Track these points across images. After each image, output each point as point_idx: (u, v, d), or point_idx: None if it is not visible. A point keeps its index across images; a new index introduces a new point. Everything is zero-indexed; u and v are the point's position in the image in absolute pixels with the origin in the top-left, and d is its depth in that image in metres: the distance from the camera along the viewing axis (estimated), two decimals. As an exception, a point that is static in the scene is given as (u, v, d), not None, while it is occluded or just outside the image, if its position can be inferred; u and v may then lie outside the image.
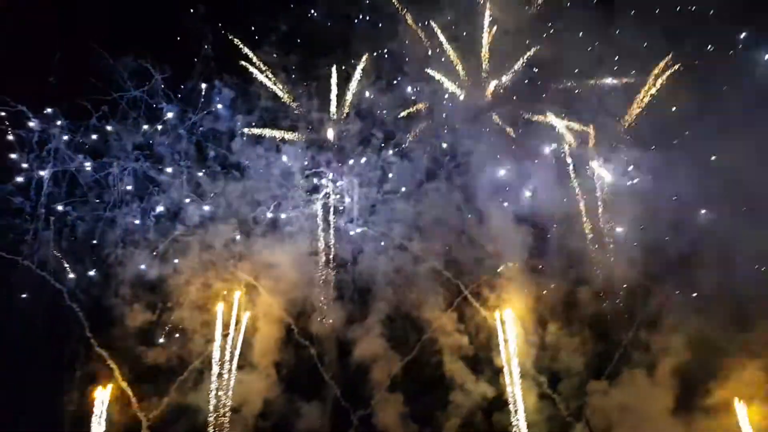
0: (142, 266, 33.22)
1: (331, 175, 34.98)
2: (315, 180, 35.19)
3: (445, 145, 34.86)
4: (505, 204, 32.97)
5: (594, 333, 31.24)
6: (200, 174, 34.80)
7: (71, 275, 32.97)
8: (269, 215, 34.37)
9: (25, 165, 32.97)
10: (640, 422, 29.37)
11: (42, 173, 33.17)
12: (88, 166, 33.74)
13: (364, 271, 33.30)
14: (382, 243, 33.59)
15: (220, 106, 35.39)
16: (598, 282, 31.28)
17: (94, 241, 33.69)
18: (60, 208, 33.25)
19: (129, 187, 34.43)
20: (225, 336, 32.98)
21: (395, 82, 35.06)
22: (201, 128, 35.25)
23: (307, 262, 33.47)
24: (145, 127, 34.70)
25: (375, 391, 31.91)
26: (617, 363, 30.70)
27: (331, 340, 32.65)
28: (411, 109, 34.71)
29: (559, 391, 30.96)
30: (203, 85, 35.23)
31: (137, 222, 33.89)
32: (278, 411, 31.40)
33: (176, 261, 33.75)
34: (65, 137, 33.65)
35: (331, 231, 34.16)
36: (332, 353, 32.48)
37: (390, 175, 34.75)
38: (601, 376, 30.76)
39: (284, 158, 35.03)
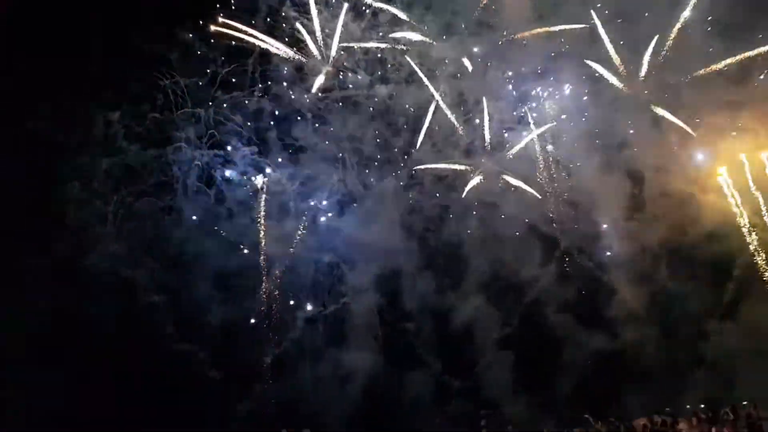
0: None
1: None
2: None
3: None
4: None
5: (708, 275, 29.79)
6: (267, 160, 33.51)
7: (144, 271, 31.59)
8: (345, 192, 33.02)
9: (87, 159, 31.80)
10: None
11: (104, 166, 31.89)
12: (152, 155, 32.36)
13: (450, 236, 31.88)
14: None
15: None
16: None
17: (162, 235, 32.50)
18: (127, 201, 31.92)
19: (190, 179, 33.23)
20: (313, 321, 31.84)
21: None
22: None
23: (390, 235, 31.92)
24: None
25: (479, 358, 30.46)
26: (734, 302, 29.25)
27: (425, 311, 31.18)
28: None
29: (678, 336, 29.58)
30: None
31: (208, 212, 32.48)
32: (381, 386, 30.16)
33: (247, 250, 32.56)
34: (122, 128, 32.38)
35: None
36: (429, 324, 31.08)
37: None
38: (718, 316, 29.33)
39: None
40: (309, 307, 32.02)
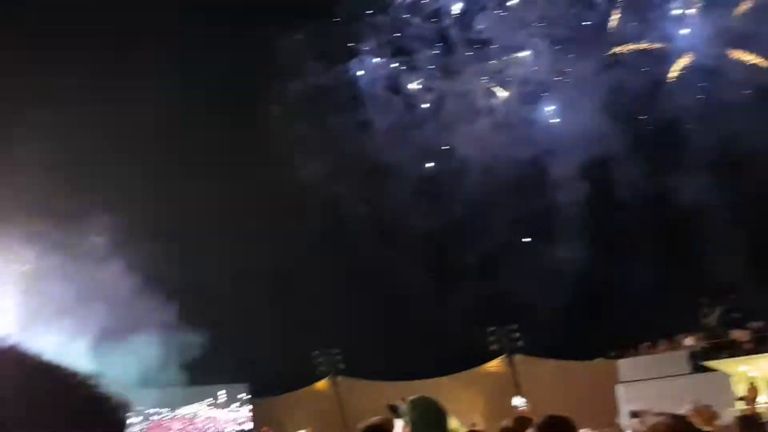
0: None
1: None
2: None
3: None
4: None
5: None
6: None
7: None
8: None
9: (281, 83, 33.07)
10: None
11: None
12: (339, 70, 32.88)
13: (663, 113, 28.91)
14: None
15: None
16: None
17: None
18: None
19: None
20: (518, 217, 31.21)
21: None
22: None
23: (594, 120, 29.65)
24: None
25: (705, 243, 27.95)
26: None
27: (640, 198, 29.05)
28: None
29: None
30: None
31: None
32: (592, 281, 29.00)
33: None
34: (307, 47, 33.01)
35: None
36: (645, 211, 29.01)
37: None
38: None
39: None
40: (512, 204, 31.26)
